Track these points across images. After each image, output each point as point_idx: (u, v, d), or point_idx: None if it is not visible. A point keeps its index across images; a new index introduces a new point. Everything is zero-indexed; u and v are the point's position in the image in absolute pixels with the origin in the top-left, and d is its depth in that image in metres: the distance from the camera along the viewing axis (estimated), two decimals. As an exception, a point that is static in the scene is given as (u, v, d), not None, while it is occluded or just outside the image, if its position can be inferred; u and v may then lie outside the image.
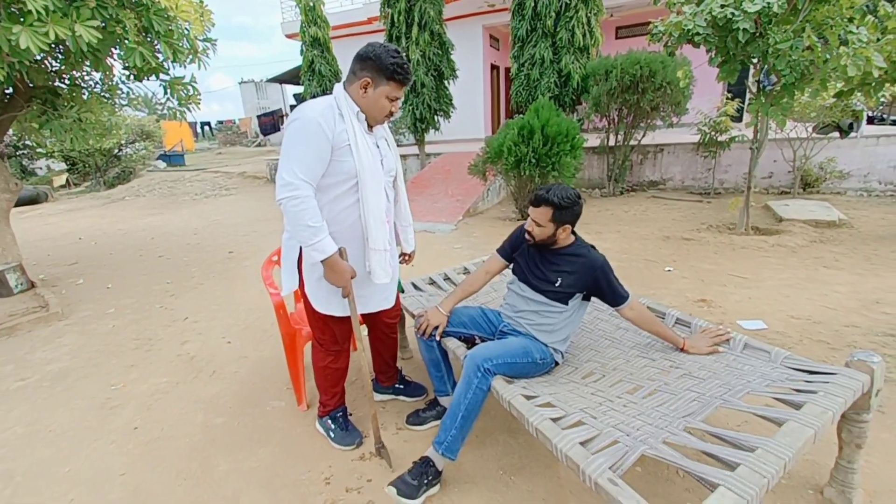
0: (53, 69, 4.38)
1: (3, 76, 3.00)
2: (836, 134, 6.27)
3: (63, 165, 12.41)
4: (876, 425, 1.80)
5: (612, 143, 6.93)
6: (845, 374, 1.37)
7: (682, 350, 1.73)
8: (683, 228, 4.94)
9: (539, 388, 1.65)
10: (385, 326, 1.97)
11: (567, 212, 1.69)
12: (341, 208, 1.56)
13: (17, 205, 9.53)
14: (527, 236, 1.80)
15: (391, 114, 1.58)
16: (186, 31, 3.83)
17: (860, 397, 1.34)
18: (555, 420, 1.37)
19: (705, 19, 3.54)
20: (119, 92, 4.86)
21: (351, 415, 2.02)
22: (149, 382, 2.51)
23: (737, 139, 6.13)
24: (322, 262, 1.49)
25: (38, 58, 4.05)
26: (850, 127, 6.19)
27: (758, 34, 3.54)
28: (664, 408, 1.44)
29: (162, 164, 13.96)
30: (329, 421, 1.94)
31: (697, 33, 3.63)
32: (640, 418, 1.40)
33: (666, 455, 1.18)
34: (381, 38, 8.00)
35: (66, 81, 4.58)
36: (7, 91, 4.16)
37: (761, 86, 4.11)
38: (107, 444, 2.01)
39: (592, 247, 1.82)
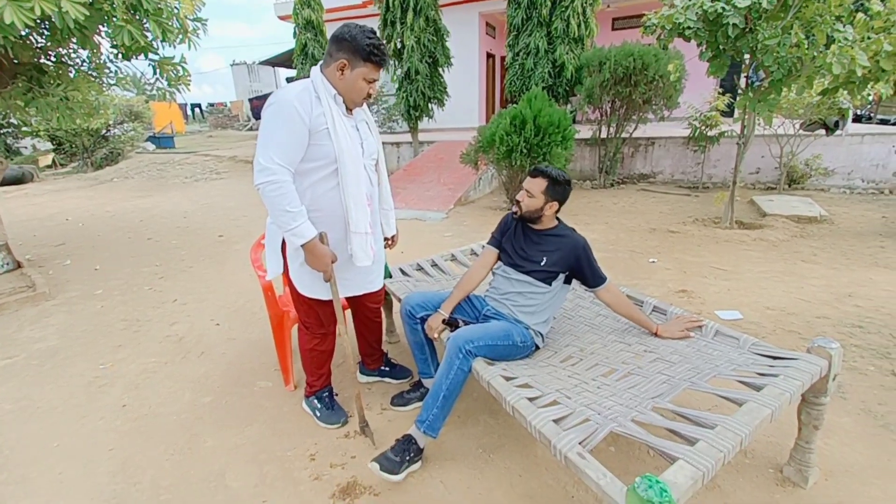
0: (39, 45, 4.29)
1: (-14, 52, 2.94)
2: (823, 131, 6.37)
3: (49, 145, 12.14)
4: (837, 410, 1.90)
5: (604, 135, 6.97)
6: (805, 359, 1.45)
7: (655, 335, 1.80)
8: (670, 221, 5.03)
9: (518, 370, 1.71)
10: (368, 311, 2.01)
11: (559, 188, 1.79)
12: (322, 192, 1.57)
13: (2, 184, 9.36)
14: (514, 208, 1.89)
15: (369, 95, 1.60)
16: (176, 10, 3.76)
17: (818, 381, 1.42)
18: (531, 399, 1.44)
19: (696, 13, 3.57)
20: (107, 71, 4.78)
21: (337, 395, 2.08)
22: (137, 362, 2.54)
23: (726, 134, 6.21)
24: (302, 246, 1.51)
25: (24, 33, 3.97)
26: (836, 125, 6.30)
27: (748, 29, 3.58)
28: (635, 389, 1.51)
29: (151, 146, 13.74)
30: (315, 400, 1.99)
31: (689, 27, 3.66)
32: (612, 399, 1.46)
33: (633, 432, 1.25)
34: (375, 23, 7.91)
35: (53, 59, 4.49)
36: (-10, 67, 4.07)
37: (750, 81, 4.17)
38: (95, 421, 2.05)
39: (573, 230, 1.90)
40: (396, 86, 7.87)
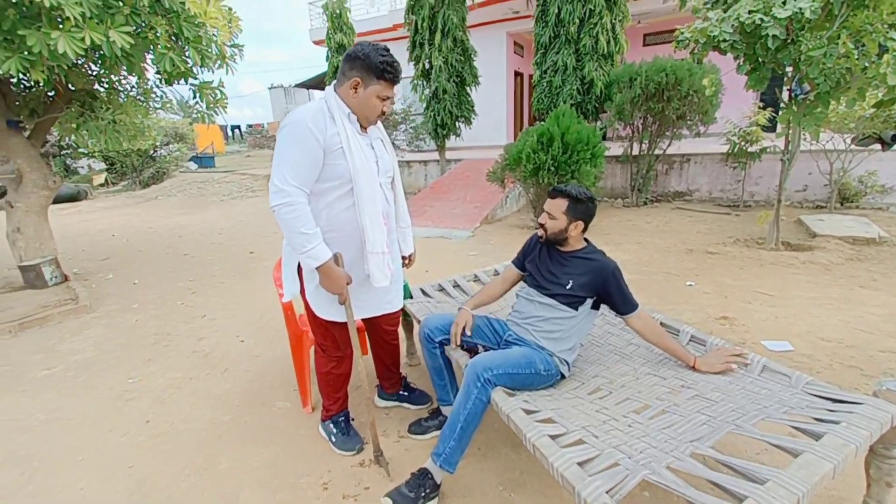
0: (93, 73, 4.62)
1: (43, 79, 3.17)
2: (878, 146, 5.94)
3: (102, 165, 13.05)
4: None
5: (635, 152, 6.78)
6: (872, 403, 1.28)
7: (692, 368, 1.66)
8: (708, 241, 4.77)
9: (541, 402, 1.60)
10: (384, 333, 1.96)
11: (581, 206, 1.72)
12: (338, 212, 1.55)
13: (59, 201, 10.08)
14: (539, 231, 1.81)
15: (383, 113, 1.58)
16: (214, 37, 3.96)
17: (889, 431, 1.24)
18: (554, 437, 1.33)
19: (732, 25, 3.42)
20: (153, 96, 5.09)
21: (353, 420, 2.02)
22: (165, 377, 2.59)
23: (768, 150, 5.89)
24: (317, 268, 1.48)
25: (80, 62, 4.29)
26: (894, 139, 5.86)
27: (789, 41, 3.40)
28: (671, 430, 1.37)
29: (193, 166, 14.49)
30: (331, 425, 1.94)
31: (724, 40, 3.52)
32: (645, 440, 1.34)
33: (668, 482, 1.12)
34: (404, 45, 8.11)
35: (105, 85, 4.82)
36: (49, 94, 4.40)
37: (793, 94, 3.95)
38: (120, 436, 2.08)
39: (603, 252, 1.80)
40: (424, 105, 7.99)
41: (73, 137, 5.19)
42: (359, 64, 1.47)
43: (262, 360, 2.71)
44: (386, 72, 1.48)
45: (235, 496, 1.68)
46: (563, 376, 1.79)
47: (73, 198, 10.37)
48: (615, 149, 7.16)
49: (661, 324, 1.97)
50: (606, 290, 1.71)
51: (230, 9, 4.47)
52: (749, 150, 6.03)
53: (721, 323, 2.88)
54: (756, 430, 1.29)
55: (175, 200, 9.76)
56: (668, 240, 4.93)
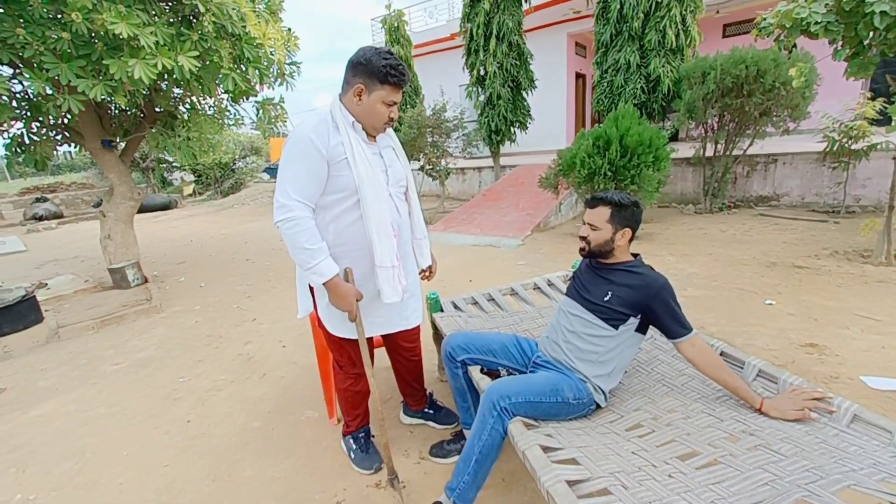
0: (176, 96, 5.12)
1: (125, 103, 3.54)
2: None
3: (192, 177, 14.56)
4: None
5: (709, 153, 6.15)
6: None
7: (759, 411, 1.37)
8: (796, 254, 4.14)
9: (568, 436, 1.42)
10: (403, 350, 1.86)
11: (626, 211, 1.53)
12: (346, 225, 1.49)
13: (153, 210, 11.40)
14: (581, 244, 1.63)
15: (391, 120, 1.50)
16: (272, 57, 4.19)
17: None
18: (574, 483, 1.15)
19: (825, 5, 2.94)
20: (227, 113, 5.54)
21: (373, 437, 1.95)
22: (210, 378, 2.72)
23: (878, 147, 5.02)
24: (324, 285, 1.43)
25: (164, 86, 4.78)
26: None
27: (903, 17, 2.84)
28: (721, 487, 1.13)
29: (266, 176, 15.67)
30: (351, 441, 1.89)
31: (816, 22, 3.03)
32: (686, 497, 1.11)
33: (709, 559, 0.90)
34: (460, 53, 8.11)
35: (187, 105, 5.33)
36: (140, 115, 4.95)
37: (910, 80, 3.31)
38: (162, 434, 2.19)
39: (651, 268, 1.58)
40: (479, 112, 7.92)
41: (154, 154, 5.80)
42: (361, 69, 1.41)
43: (298, 366, 2.76)
44: (390, 75, 1.40)
45: (251, 507, 1.68)
46: (598, 406, 1.58)
47: (165, 206, 11.66)
48: (686, 151, 6.55)
49: (722, 353, 1.68)
50: (652, 309, 1.48)
51: (289, 29, 4.74)
52: (853, 147, 5.18)
53: (807, 352, 2.43)
54: (838, 500, 1.01)
55: (247, 209, 10.58)
56: (745, 251, 4.36)
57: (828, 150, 5.37)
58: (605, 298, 1.54)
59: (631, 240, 1.61)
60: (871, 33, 3.05)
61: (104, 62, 3.16)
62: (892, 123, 3.56)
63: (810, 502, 1.02)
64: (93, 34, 3.24)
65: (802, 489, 1.06)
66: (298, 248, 1.39)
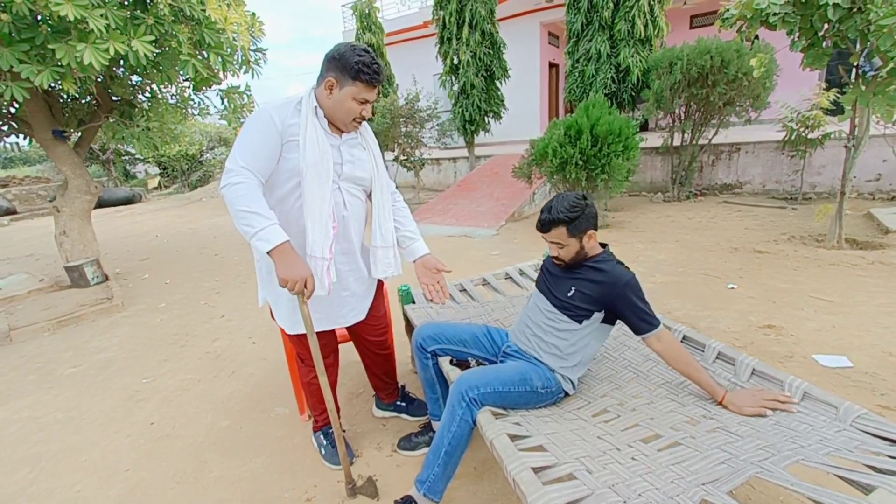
0: (133, 84, 4.86)
1: (74, 90, 3.33)
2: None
3: (157, 170, 13.95)
4: None
5: (677, 142, 6.30)
6: (945, 450, 1.01)
7: (720, 404, 1.40)
8: (757, 239, 4.31)
9: (536, 424, 1.43)
10: (369, 343, 1.84)
11: (581, 220, 1.49)
12: (288, 209, 1.46)
13: (115, 204, 10.88)
14: (556, 262, 1.60)
15: (362, 118, 1.46)
16: (235, 42, 4.02)
17: (967, 485, 0.98)
18: (540, 470, 1.16)
19: (784, -4, 3.02)
20: (191, 102, 5.29)
21: (345, 431, 1.93)
22: (176, 378, 2.62)
23: (832, 136, 5.26)
24: (270, 254, 1.30)
25: (122, 73, 4.52)
26: None
27: (855, 9, 2.96)
28: (681, 467, 1.16)
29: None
30: (322, 436, 1.86)
31: (775, 13, 3.12)
32: (648, 477, 1.14)
33: (667, 537, 0.93)
34: (433, 41, 8.00)
35: (148, 94, 5.07)
36: (94, 104, 4.68)
37: (861, 71, 3.46)
38: (123, 438, 2.11)
39: (620, 262, 1.57)
40: (453, 101, 7.85)
41: (123, 143, 5.51)
42: (334, 64, 1.37)
43: (268, 363, 2.70)
44: (362, 72, 1.35)
45: (218, 508, 1.64)
46: (566, 394, 1.60)
47: (128, 200, 11.14)
48: (655, 140, 6.70)
49: (685, 337, 1.73)
50: (616, 306, 1.48)
51: (254, 14, 4.54)
52: (809, 136, 5.42)
53: (765, 333, 2.54)
54: (787, 475, 1.06)
55: (217, 202, 10.22)
56: (710, 237, 4.51)
57: (786, 139, 5.60)
58: (569, 294, 1.53)
59: (594, 236, 1.56)
60: (825, 25, 3.16)
61: (50, 47, 2.95)
62: (845, 113, 3.72)
63: (763, 478, 1.07)
64: (37, 16, 3.02)
65: (756, 466, 1.10)
66: (241, 211, 1.28)
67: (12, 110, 4.28)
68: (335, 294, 1.57)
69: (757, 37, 4.23)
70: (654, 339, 1.46)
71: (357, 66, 1.35)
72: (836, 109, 5.53)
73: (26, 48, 2.98)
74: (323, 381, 1.51)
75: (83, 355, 2.99)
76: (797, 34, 3.36)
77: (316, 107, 1.42)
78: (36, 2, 2.80)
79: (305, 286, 1.33)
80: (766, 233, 4.51)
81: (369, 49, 1.40)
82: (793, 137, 5.49)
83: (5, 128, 4.41)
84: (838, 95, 5.32)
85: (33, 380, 2.71)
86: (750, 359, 1.51)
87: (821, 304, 2.84)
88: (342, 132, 1.51)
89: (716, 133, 6.12)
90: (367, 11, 8.67)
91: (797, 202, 5.82)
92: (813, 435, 1.18)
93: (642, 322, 1.46)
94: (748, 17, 3.40)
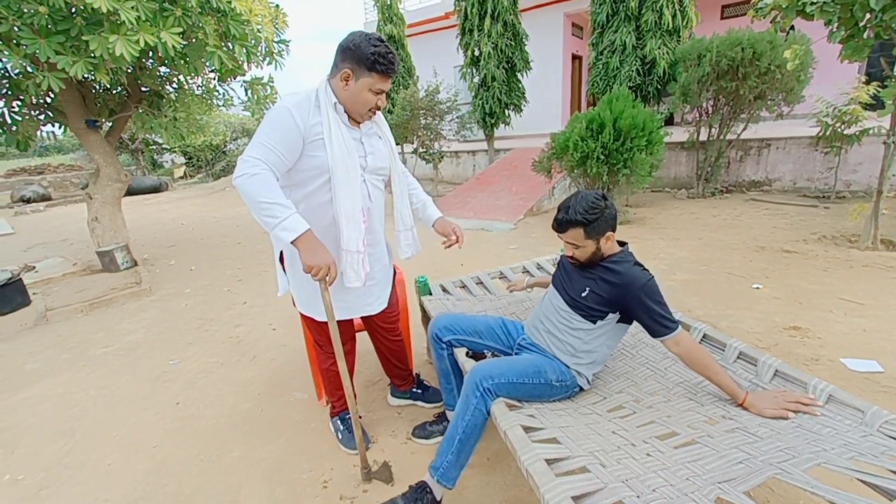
0: (162, 74, 4.99)
1: (107, 81, 3.44)
2: None
3: (182, 159, 14.32)
4: None
5: (703, 137, 6.12)
6: (978, 459, 0.98)
7: (740, 406, 1.37)
8: (785, 238, 4.17)
9: (550, 416, 1.44)
10: (382, 330, 1.87)
11: (599, 222, 1.45)
12: (315, 205, 1.47)
13: (143, 192, 11.23)
14: (571, 262, 1.58)
15: (378, 108, 1.47)
16: (259, 34, 4.08)
17: None
18: (553, 461, 1.17)
19: (823, -16, 2.89)
20: (216, 93, 5.41)
21: (361, 417, 1.97)
22: (200, 361, 2.72)
23: (870, 132, 5.02)
24: (295, 243, 1.30)
25: (150, 64, 4.65)
26: None
27: (899, -2, 2.80)
28: (697, 465, 1.15)
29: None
30: (339, 421, 1.91)
31: (812, 2, 2.98)
32: (663, 474, 1.13)
33: (680, 533, 0.93)
34: (454, 33, 7.94)
35: (175, 85, 5.20)
36: (124, 94, 4.82)
37: (904, 64, 3.28)
38: (151, 416, 2.20)
39: (639, 263, 1.52)
40: (473, 94, 7.80)
41: (143, 134, 5.68)
42: (349, 55, 1.37)
43: (288, 349, 2.76)
44: (378, 63, 1.36)
45: (238, 488, 1.70)
46: (581, 389, 1.60)
47: (155, 189, 11.49)
48: (680, 134, 6.52)
49: (705, 336, 1.70)
50: (631, 308, 1.44)
51: (277, 5, 4.59)
52: (845, 132, 5.19)
53: (790, 335, 2.47)
54: (807, 477, 1.04)
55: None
56: (735, 235, 4.38)
57: (820, 134, 5.38)
58: (583, 294, 1.51)
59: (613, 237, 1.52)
60: (867, 15, 3.01)
61: (84, 38, 3.06)
62: (885, 107, 3.54)
63: (782, 479, 1.05)
64: (72, 9, 3.13)
65: (775, 467, 1.08)
66: (261, 202, 1.26)
67: (48, 100, 4.45)
68: (363, 284, 1.60)
69: (792, 27, 4.07)
70: (671, 342, 1.42)
71: (373, 57, 1.35)
72: (876, 104, 5.28)
73: (62, 39, 3.09)
74: (342, 366, 1.55)
75: (114, 336, 3.12)
76: (836, 24, 3.21)
77: (336, 103, 1.43)
78: (71, -6, 2.90)
79: (328, 273, 1.35)
80: (796, 232, 4.36)
81: (383, 39, 1.40)
82: (827, 133, 5.26)
83: (42, 117, 4.58)
84: (879, 89, 5.07)
85: (68, 358, 2.85)
86: (773, 359, 1.47)
87: (851, 307, 2.74)
88: (359, 123, 1.52)
89: (745, 128, 5.92)
90: (388, 2, 8.66)
91: (830, 201, 5.59)
92: (836, 439, 1.15)
93: (659, 325, 1.42)
94: (783, 6, 3.26)
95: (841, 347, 2.31)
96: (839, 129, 5.18)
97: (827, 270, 3.34)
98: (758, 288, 3.12)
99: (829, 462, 1.07)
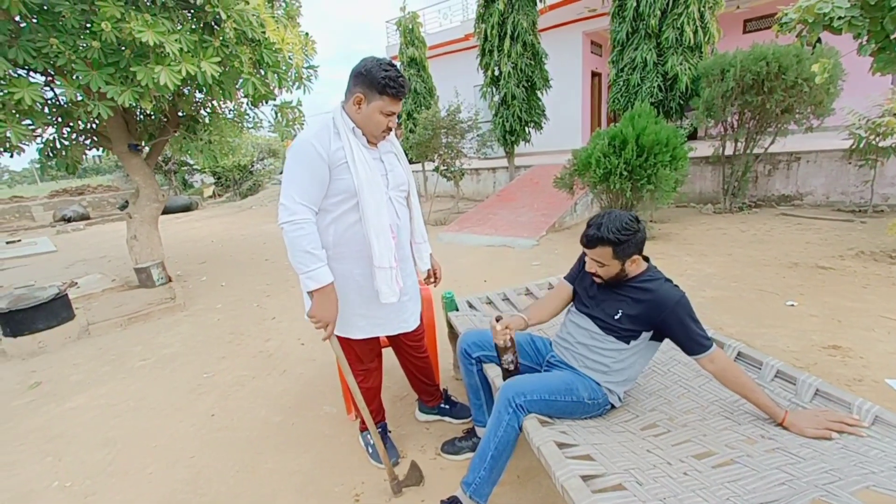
0: (198, 100, 5.28)
1: (151, 108, 3.67)
2: None
3: (211, 179, 14.91)
4: None
5: (729, 151, 6.03)
6: None
7: (780, 425, 1.34)
8: (820, 254, 4.04)
9: (583, 433, 1.43)
10: (409, 348, 1.90)
11: (629, 244, 1.45)
12: (346, 227, 1.53)
13: (175, 211, 11.73)
14: (594, 279, 1.58)
15: (389, 129, 1.54)
16: (291, 61, 4.29)
17: None
18: (588, 478, 1.17)
19: (850, -1, 2.87)
20: (247, 117, 5.69)
21: (391, 432, 2.00)
22: (232, 374, 2.80)
23: (907, 144, 4.87)
24: (313, 292, 1.46)
25: (186, 91, 4.93)
26: None
27: (932, 10, 2.76)
28: (737, 485, 1.13)
29: (285, 178, 15.94)
30: (368, 436, 1.93)
31: (839, 16, 2.96)
32: (701, 493, 1.12)
33: (724, 555, 0.91)
34: (475, 53, 8.13)
35: (209, 110, 5.49)
36: (163, 120, 5.12)
37: (940, 75, 3.21)
38: (188, 426, 2.27)
39: (669, 280, 1.52)
40: (493, 112, 7.92)
41: (179, 156, 5.99)
42: (361, 79, 1.45)
43: (317, 363, 2.82)
44: (388, 87, 1.44)
45: (272, 499, 1.74)
46: (612, 406, 1.58)
47: (186, 208, 11.98)
48: (705, 149, 6.45)
49: (739, 354, 1.67)
50: (666, 326, 1.43)
51: (307, 34, 4.83)
52: (880, 144, 5.04)
53: (830, 354, 2.39)
54: (856, 500, 1.01)
55: (265, 210, 10.79)
56: (766, 251, 4.27)
57: (854, 147, 5.23)
58: (616, 317, 1.49)
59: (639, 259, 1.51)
60: (898, 27, 2.96)
61: (132, 69, 3.28)
62: (922, 120, 3.44)
63: (827, 501, 1.02)
64: (121, 42, 3.37)
65: (820, 489, 1.06)
66: (300, 250, 1.42)
67: (94, 126, 4.75)
68: (398, 300, 1.65)
69: (819, 40, 4.03)
70: (706, 360, 1.40)
71: (384, 81, 1.43)
72: (912, 115, 5.10)
73: (111, 71, 3.33)
74: (351, 382, 1.64)
75: (151, 349, 3.25)
76: (865, 38, 3.17)
77: (353, 127, 1.50)
78: (122, 29, 3.13)
79: (326, 329, 1.50)
80: (831, 247, 4.22)
81: (393, 63, 1.49)
82: (861, 146, 5.12)
83: (88, 142, 4.89)
84: (913, 100, 4.92)
85: (108, 370, 2.98)
86: (813, 378, 1.44)
87: (894, 326, 2.63)
88: (376, 144, 1.60)
89: (772, 142, 5.81)
90: (410, 27, 8.95)
91: (866, 215, 5.40)
92: (886, 462, 1.11)
93: (694, 343, 1.40)
94: (810, 21, 3.24)
95: (885, 367, 2.22)
96: (874, 142, 5.03)
97: (866, 287, 3.22)
98: (792, 305, 3.03)
99: (879, 485, 1.04)
